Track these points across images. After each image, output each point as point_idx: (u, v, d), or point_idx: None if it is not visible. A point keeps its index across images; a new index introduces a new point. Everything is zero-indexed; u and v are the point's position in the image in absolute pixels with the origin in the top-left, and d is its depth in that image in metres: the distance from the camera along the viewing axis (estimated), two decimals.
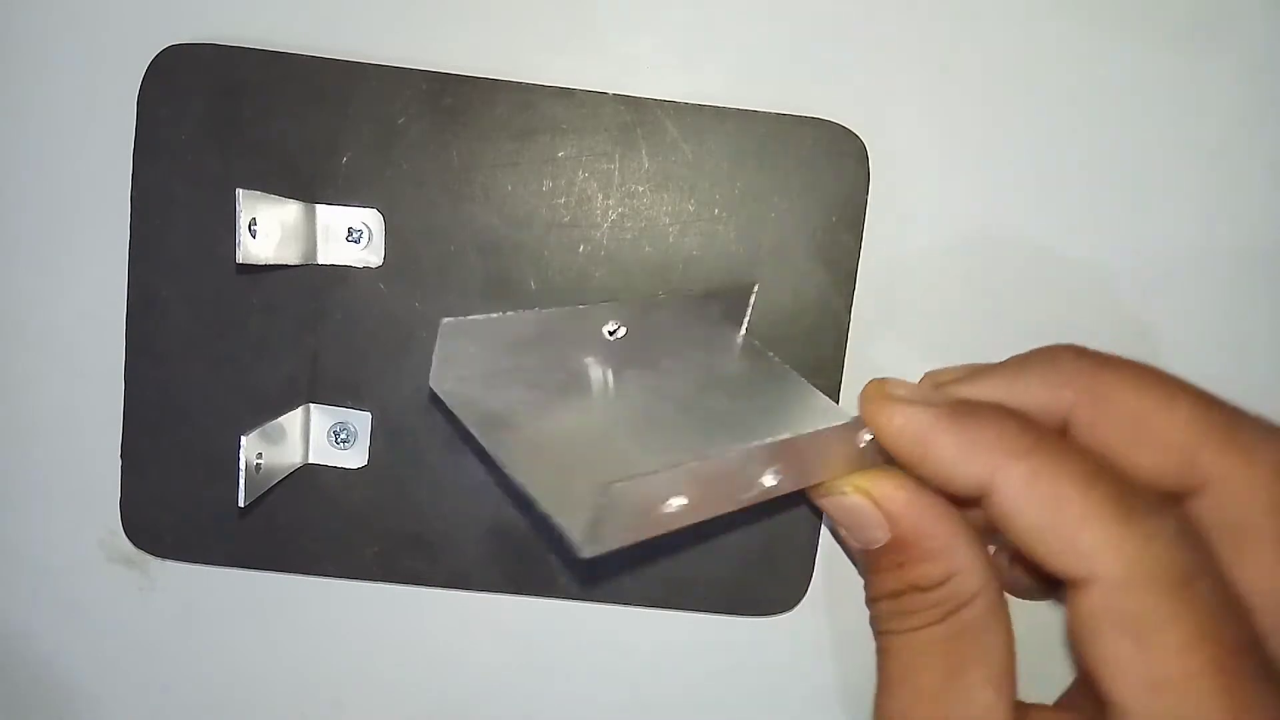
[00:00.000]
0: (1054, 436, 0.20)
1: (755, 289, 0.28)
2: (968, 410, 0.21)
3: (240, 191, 0.23)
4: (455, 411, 0.24)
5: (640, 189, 0.28)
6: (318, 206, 0.27)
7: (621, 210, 0.28)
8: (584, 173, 0.28)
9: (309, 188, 0.27)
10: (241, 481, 0.24)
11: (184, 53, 0.27)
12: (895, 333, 0.29)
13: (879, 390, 0.22)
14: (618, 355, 0.26)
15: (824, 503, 0.24)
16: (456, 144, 0.27)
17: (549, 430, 0.24)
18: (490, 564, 0.29)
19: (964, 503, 0.22)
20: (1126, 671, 0.19)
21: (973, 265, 0.29)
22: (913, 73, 0.28)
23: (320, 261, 0.28)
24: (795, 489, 0.23)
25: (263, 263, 0.25)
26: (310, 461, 0.28)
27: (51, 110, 0.28)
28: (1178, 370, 0.29)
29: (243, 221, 0.23)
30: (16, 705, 0.31)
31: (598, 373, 0.26)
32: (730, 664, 0.30)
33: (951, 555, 0.22)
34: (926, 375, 0.24)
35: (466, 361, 0.24)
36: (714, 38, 0.28)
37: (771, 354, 0.28)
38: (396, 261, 0.28)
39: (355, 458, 0.28)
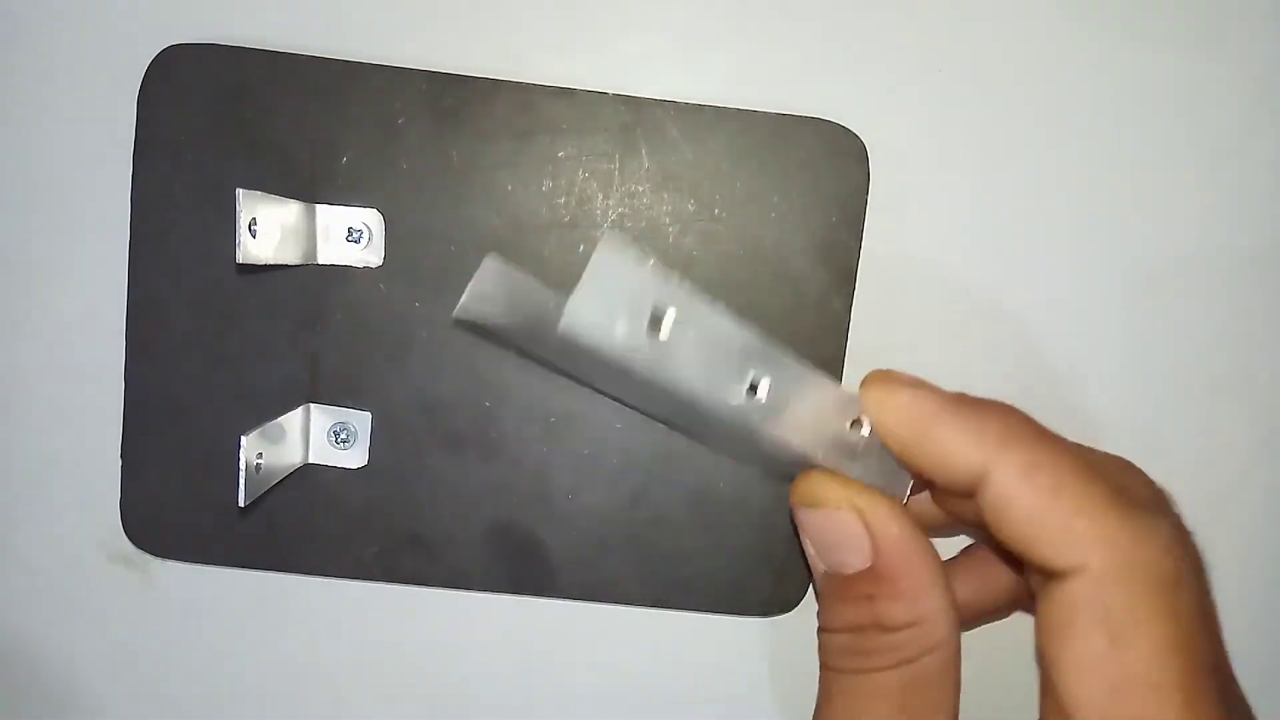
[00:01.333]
0: (1053, 434, 0.20)
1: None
2: (970, 400, 0.21)
3: (240, 191, 0.23)
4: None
5: (640, 189, 0.28)
6: (318, 206, 0.27)
7: (621, 210, 0.28)
8: (584, 173, 0.28)
9: (309, 188, 0.27)
10: (241, 481, 0.24)
11: (184, 53, 0.27)
12: (895, 333, 0.29)
13: (884, 374, 0.22)
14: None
15: (803, 514, 0.23)
16: (456, 144, 0.27)
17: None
18: (490, 564, 0.29)
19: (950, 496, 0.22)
20: (1093, 669, 0.18)
21: (973, 265, 0.29)
22: (913, 73, 0.28)
23: (320, 261, 0.28)
24: (760, 436, 0.21)
25: (263, 263, 0.25)
26: (310, 461, 0.28)
27: (52, 110, 0.28)
28: (1179, 369, 0.29)
29: (243, 221, 0.23)
30: (16, 705, 0.31)
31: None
32: (730, 664, 0.30)
33: (926, 599, 0.21)
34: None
35: (498, 309, 0.23)
36: (714, 38, 0.28)
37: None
38: (396, 261, 0.28)
39: (355, 458, 0.28)
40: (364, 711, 0.31)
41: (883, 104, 0.28)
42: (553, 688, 0.30)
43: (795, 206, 0.28)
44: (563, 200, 0.28)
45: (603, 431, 0.28)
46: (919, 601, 0.21)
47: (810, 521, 0.23)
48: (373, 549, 0.29)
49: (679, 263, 0.28)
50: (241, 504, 0.24)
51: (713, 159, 0.28)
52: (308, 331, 0.28)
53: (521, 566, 0.29)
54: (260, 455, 0.25)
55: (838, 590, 0.22)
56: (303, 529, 0.29)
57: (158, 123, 0.27)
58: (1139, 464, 0.23)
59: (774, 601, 0.29)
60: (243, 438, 0.24)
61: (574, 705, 0.31)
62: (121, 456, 0.28)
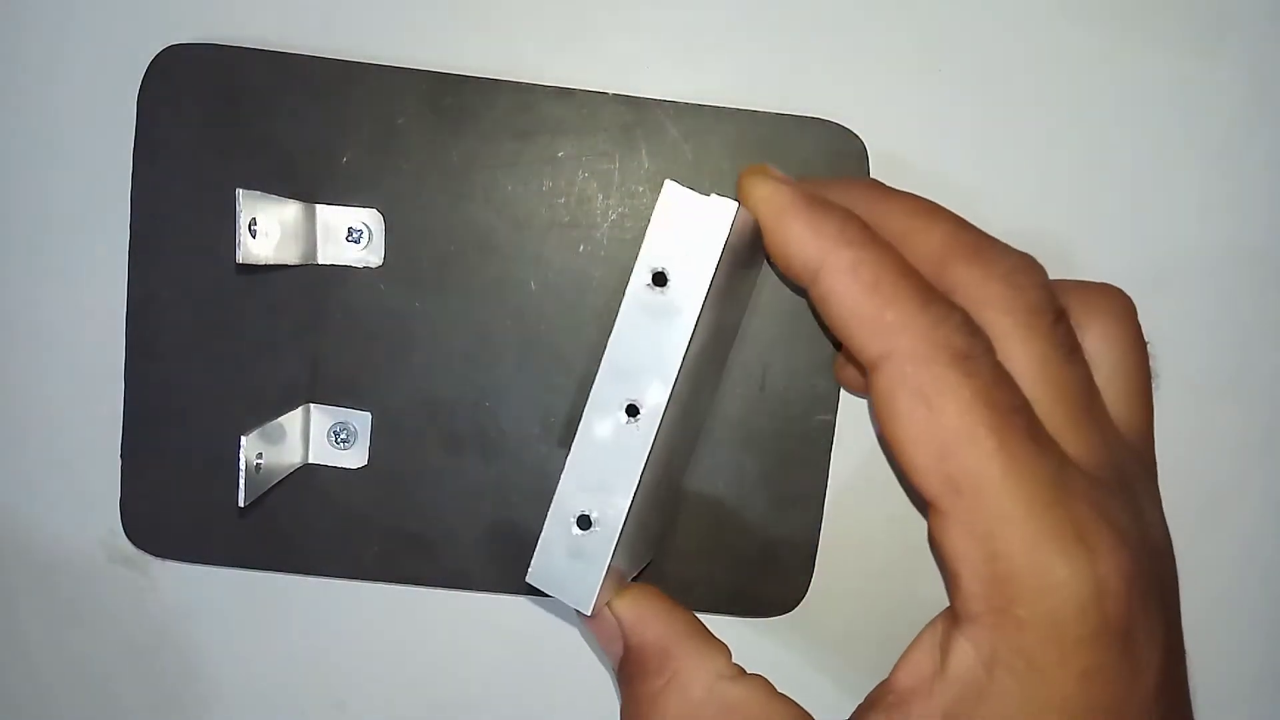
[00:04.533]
0: (883, 240, 0.22)
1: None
2: (820, 201, 0.23)
3: (240, 191, 0.23)
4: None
5: (640, 189, 0.28)
6: (318, 206, 0.27)
7: (621, 210, 0.28)
8: (584, 173, 0.28)
9: (309, 188, 0.27)
10: (241, 481, 0.24)
11: (184, 53, 0.27)
12: None
13: (759, 167, 0.24)
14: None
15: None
16: (456, 144, 0.27)
17: None
18: (490, 564, 0.29)
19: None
20: (921, 438, 0.21)
21: None
22: (913, 73, 0.28)
23: (320, 261, 0.28)
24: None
25: (263, 263, 0.25)
26: (310, 461, 0.28)
27: (51, 110, 0.28)
28: (1178, 369, 0.29)
29: (243, 221, 0.23)
30: (17, 705, 0.31)
31: None
32: None
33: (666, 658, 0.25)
34: None
35: None
36: (714, 38, 0.28)
37: None
38: (396, 261, 0.28)
39: (355, 458, 0.28)
40: (364, 711, 0.31)
41: (883, 104, 0.28)
42: (553, 688, 0.30)
43: None
44: (563, 200, 0.28)
45: None
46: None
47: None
48: (373, 549, 0.29)
49: None
50: (241, 504, 0.24)
51: (713, 159, 0.28)
52: (308, 331, 0.28)
53: (521, 566, 0.29)
54: (260, 455, 0.25)
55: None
56: (303, 529, 0.29)
57: (158, 123, 0.27)
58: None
59: (774, 601, 0.29)
60: (243, 438, 0.24)
61: (574, 705, 0.31)
62: (121, 456, 0.28)
